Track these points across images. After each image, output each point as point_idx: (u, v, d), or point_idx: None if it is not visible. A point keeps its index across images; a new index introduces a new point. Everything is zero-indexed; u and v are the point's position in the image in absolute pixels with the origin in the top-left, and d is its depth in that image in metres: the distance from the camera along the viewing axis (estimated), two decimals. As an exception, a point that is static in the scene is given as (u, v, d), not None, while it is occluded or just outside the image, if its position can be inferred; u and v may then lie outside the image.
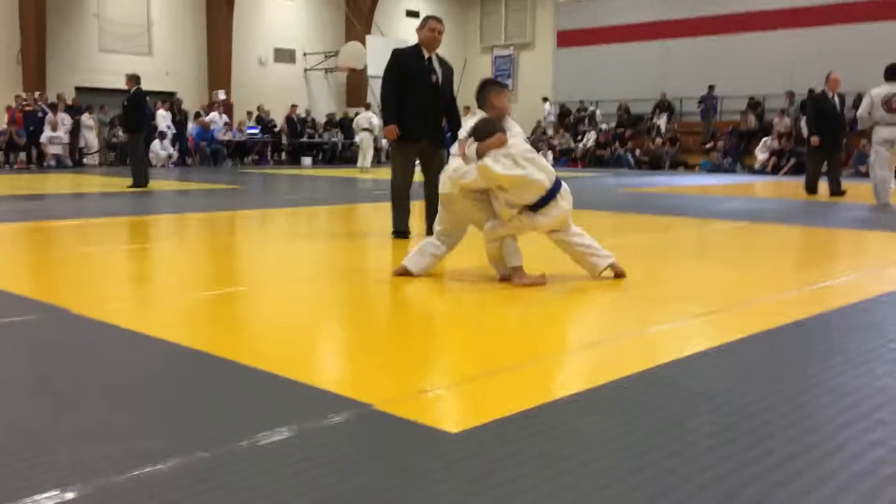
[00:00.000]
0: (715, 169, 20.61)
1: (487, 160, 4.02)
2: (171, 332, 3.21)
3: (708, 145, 21.55)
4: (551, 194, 4.16)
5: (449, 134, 6.33)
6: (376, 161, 20.50)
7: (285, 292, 4.09)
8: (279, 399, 2.42)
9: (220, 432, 2.11)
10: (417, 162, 6.33)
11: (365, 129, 18.64)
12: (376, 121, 18.11)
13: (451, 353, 3.09)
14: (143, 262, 5.40)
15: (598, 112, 24.41)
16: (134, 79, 11.94)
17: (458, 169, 4.19)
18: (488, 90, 4.49)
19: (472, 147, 4.12)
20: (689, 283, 4.48)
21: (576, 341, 3.13)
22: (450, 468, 1.91)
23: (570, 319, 3.59)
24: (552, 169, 4.29)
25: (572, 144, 24.14)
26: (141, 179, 11.92)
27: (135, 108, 11.93)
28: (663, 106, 23.03)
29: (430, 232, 6.08)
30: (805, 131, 12.88)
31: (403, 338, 3.35)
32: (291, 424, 2.17)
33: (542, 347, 3.14)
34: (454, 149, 4.36)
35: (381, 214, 9.00)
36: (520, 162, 4.07)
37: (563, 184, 4.27)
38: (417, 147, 6.24)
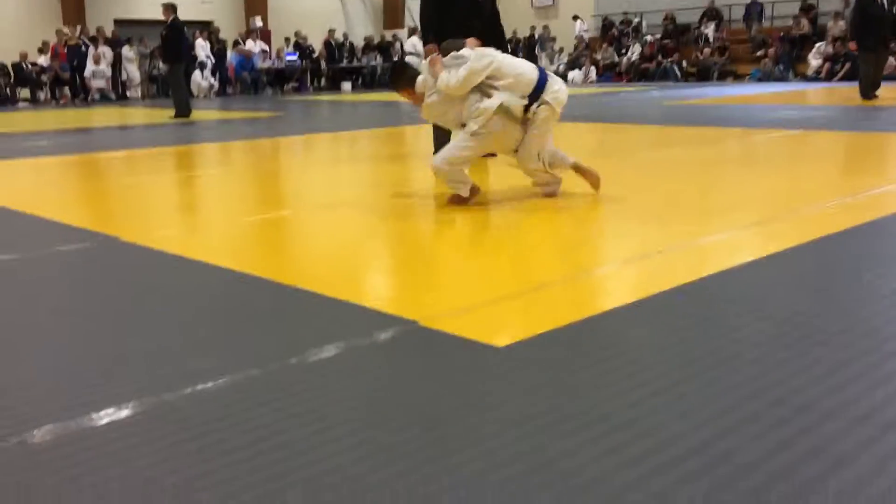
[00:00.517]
0: (766, 78, 19.93)
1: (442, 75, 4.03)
2: (218, 256, 3.25)
3: (759, 52, 20.79)
4: (542, 76, 4.10)
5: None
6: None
7: (330, 215, 4.10)
8: (326, 318, 2.44)
9: (269, 351, 2.15)
10: None
11: (410, 54, 18.44)
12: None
13: (497, 269, 3.08)
14: (189, 191, 5.46)
15: (643, 23, 23.66)
16: (171, 8, 11.84)
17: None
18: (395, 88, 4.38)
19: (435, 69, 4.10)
20: (738, 194, 4.37)
21: (623, 254, 3.09)
22: (498, 381, 1.91)
23: (617, 233, 3.53)
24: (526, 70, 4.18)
25: (616, 59, 23.51)
26: (183, 110, 11.98)
27: (174, 39, 11.87)
28: (711, 14, 22.18)
29: None
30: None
31: (448, 256, 3.35)
32: (339, 342, 2.19)
33: (589, 261, 3.11)
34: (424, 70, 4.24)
35: (423, 137, 8.93)
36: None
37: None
38: None
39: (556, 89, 4.11)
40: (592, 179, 4.29)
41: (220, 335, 2.31)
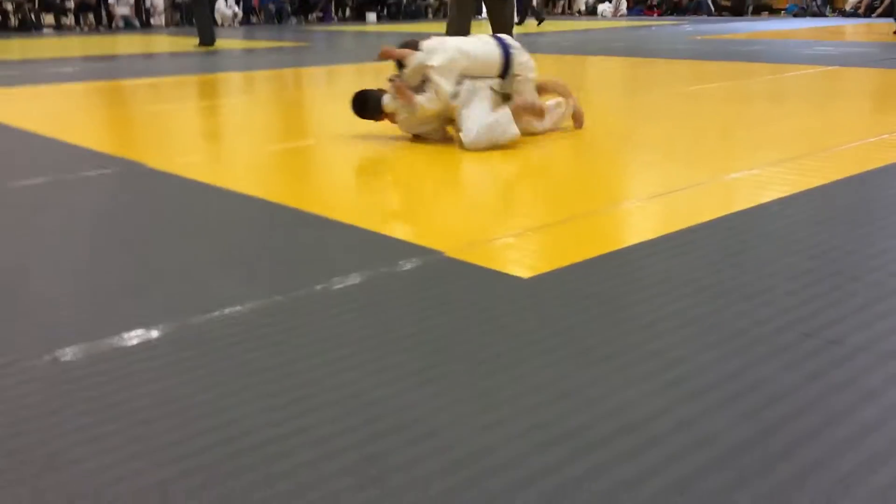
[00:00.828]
0: (802, 13, 19.36)
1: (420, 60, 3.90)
2: (243, 184, 3.25)
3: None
4: (505, 52, 3.95)
5: None
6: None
7: (354, 146, 4.06)
8: (351, 247, 2.44)
9: (294, 278, 2.15)
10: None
11: None
12: None
13: (523, 202, 3.05)
14: (213, 119, 5.43)
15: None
16: (194, -67, 11.64)
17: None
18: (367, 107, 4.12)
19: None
20: (769, 130, 4.28)
21: (650, 189, 3.05)
22: (523, 311, 1.91)
23: (644, 168, 3.48)
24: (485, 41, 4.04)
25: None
26: (207, 38, 11.86)
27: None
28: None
29: None
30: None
31: (473, 189, 3.32)
32: (364, 270, 2.19)
33: (616, 195, 3.07)
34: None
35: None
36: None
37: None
38: None
39: (523, 62, 3.97)
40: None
41: (245, 261, 2.32)
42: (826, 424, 1.38)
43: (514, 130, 3.81)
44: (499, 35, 4.12)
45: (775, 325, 1.78)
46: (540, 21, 17.76)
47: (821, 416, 1.41)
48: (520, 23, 17.42)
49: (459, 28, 5.86)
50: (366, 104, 4.07)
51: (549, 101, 4.19)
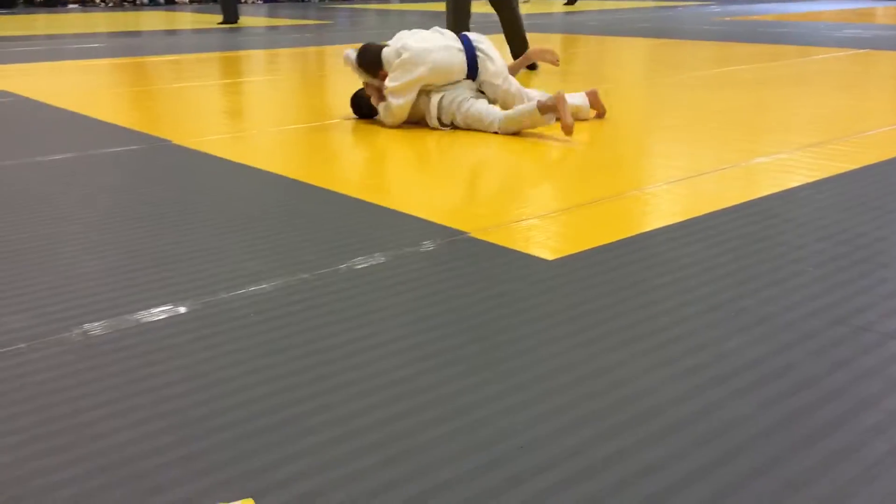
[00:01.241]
0: (832, -6, 19.01)
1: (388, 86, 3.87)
2: (268, 162, 3.26)
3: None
4: (471, 55, 3.86)
5: None
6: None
7: (375, 127, 4.06)
8: (375, 226, 2.44)
9: (319, 256, 2.16)
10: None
11: None
12: None
13: (546, 185, 3.04)
14: (237, 97, 5.44)
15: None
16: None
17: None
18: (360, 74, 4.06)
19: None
20: (797, 114, 4.22)
21: (676, 173, 3.02)
22: (548, 293, 1.90)
23: (668, 152, 3.45)
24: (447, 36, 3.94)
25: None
26: (231, 16, 11.86)
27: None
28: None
29: (516, 57, 5.91)
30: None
31: (496, 171, 3.31)
32: (388, 250, 2.20)
33: (641, 179, 3.04)
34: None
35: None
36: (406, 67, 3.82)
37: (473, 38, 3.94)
38: None
39: (490, 70, 3.86)
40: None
41: (271, 239, 2.33)
42: (853, 412, 1.37)
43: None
44: (467, 35, 3.96)
45: (803, 311, 1.76)
46: (570, 2, 17.57)
47: (848, 403, 1.40)
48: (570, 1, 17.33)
49: (457, 20, 5.75)
50: (360, 106, 4.15)
51: (545, 95, 3.97)
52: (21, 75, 6.14)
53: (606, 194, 2.75)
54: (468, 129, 3.85)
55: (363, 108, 4.14)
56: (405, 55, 3.81)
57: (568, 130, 3.56)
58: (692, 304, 1.82)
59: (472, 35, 3.98)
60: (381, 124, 4.03)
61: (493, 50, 3.95)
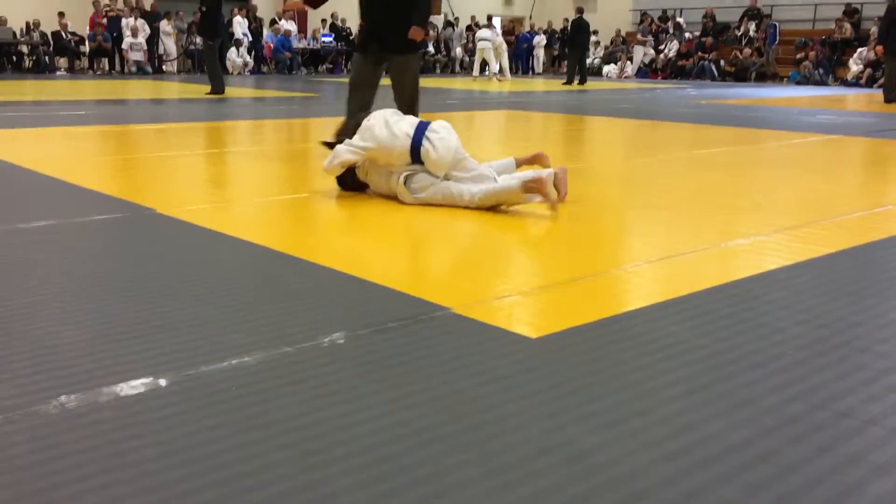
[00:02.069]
0: (804, 81, 19.67)
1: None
2: (252, 233, 3.27)
3: (799, 55, 20.51)
4: (416, 144, 3.89)
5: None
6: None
7: (362, 199, 4.10)
8: (358, 300, 2.44)
9: (301, 329, 2.15)
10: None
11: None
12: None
13: (527, 261, 3.07)
14: (222, 167, 5.49)
15: (681, 20, 23.41)
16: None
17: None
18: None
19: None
20: (773, 197, 4.32)
21: (654, 253, 3.06)
22: (531, 372, 1.90)
23: (647, 232, 3.51)
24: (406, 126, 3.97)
25: (653, 54, 23.30)
26: (218, 86, 12.02)
27: (211, 15, 11.87)
28: (752, 13, 21.90)
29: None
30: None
31: (478, 246, 3.34)
32: (371, 325, 2.20)
33: (620, 258, 3.08)
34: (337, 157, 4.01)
35: (455, 123, 8.90)
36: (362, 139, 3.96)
37: (431, 127, 3.95)
38: (374, 58, 5.28)
39: (432, 159, 3.84)
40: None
41: (253, 310, 2.32)
42: (839, 499, 1.37)
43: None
44: (424, 122, 3.98)
45: (784, 395, 1.78)
46: (573, 82, 17.96)
47: (833, 489, 1.40)
48: (569, 82, 17.77)
49: (358, 102, 5.28)
50: (344, 179, 4.19)
51: (529, 172, 3.99)
52: (7, 140, 6.16)
53: (587, 272, 2.78)
54: (443, 205, 3.87)
55: (348, 180, 4.19)
56: (364, 127, 3.98)
57: (554, 207, 3.62)
58: (675, 385, 1.82)
59: (433, 124, 3.99)
60: (367, 197, 4.07)
61: (445, 141, 3.87)
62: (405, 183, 3.89)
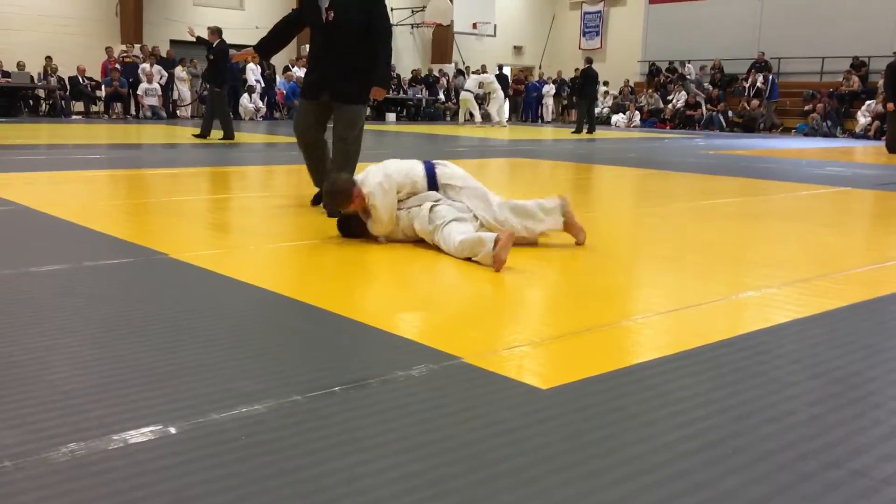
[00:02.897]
0: (813, 132, 19.79)
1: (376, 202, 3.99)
2: (263, 278, 3.28)
3: (807, 107, 20.66)
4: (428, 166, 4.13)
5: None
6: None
7: (373, 246, 4.11)
8: (368, 347, 2.44)
9: (312, 377, 2.15)
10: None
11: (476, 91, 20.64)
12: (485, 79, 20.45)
13: (537, 311, 3.06)
14: (232, 212, 5.53)
15: (690, 70, 23.66)
16: (216, 32, 12.02)
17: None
18: (336, 206, 4.18)
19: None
20: (783, 249, 4.32)
21: (663, 304, 3.06)
22: (540, 424, 1.89)
23: (656, 283, 3.50)
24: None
25: (661, 105, 23.52)
26: (229, 132, 12.09)
27: (219, 62, 11.98)
28: (760, 65, 22.12)
29: (318, 201, 5.03)
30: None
31: (487, 294, 3.33)
32: (382, 373, 2.19)
33: (629, 309, 3.08)
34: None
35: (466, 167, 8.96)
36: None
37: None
38: (318, 104, 5.07)
39: (448, 172, 4.09)
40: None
41: (264, 357, 2.32)
42: (855, 560, 1.35)
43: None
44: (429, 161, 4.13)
45: (798, 451, 1.76)
46: (581, 131, 18.17)
47: (850, 551, 1.37)
48: (578, 131, 17.99)
49: (319, 162, 5.20)
50: (348, 226, 4.20)
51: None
52: (22, 184, 6.23)
53: (597, 323, 2.77)
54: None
55: (352, 226, 4.20)
56: (371, 175, 4.06)
57: (498, 267, 3.51)
58: (689, 439, 1.81)
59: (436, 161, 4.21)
60: (374, 241, 4.08)
61: (453, 166, 4.20)
62: (430, 210, 3.95)
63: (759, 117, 21.14)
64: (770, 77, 21.22)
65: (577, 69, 25.33)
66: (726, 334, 2.64)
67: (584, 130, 18.04)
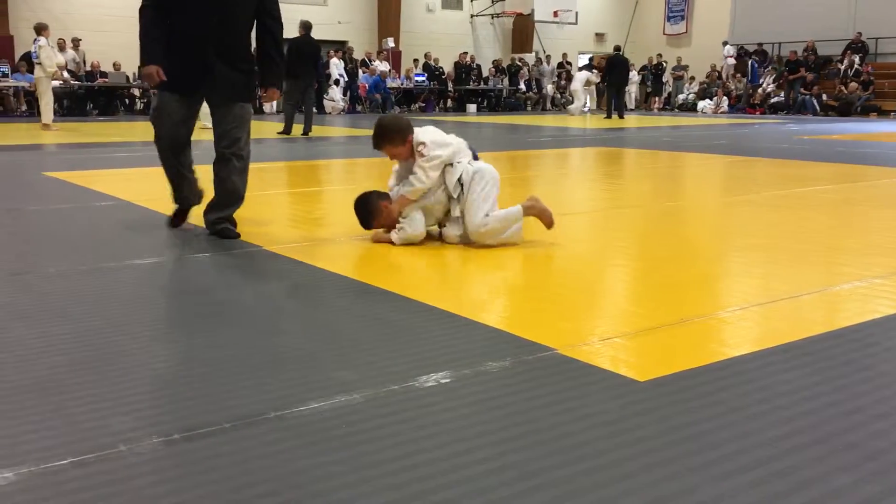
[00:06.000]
0: (913, 115, 18.88)
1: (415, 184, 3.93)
2: (354, 270, 3.32)
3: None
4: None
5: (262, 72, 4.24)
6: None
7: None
8: (459, 337, 2.44)
9: (407, 367, 2.17)
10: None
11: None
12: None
13: (628, 302, 3.02)
14: (320, 204, 5.62)
15: (781, 54, 22.88)
16: (305, 26, 12.16)
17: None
18: (385, 141, 4.15)
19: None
20: (885, 238, 4.13)
21: (757, 296, 2.96)
22: (638, 417, 1.86)
23: (749, 273, 3.40)
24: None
25: (750, 89, 22.82)
26: (308, 126, 12.20)
27: (298, 54, 12.04)
28: (856, 46, 21.19)
29: (212, 226, 4.07)
30: None
31: (573, 286, 3.30)
32: (477, 364, 2.19)
33: (723, 300, 3.00)
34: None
35: (546, 160, 8.90)
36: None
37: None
38: (193, 100, 4.20)
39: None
40: (546, 218, 3.93)
41: (359, 347, 2.35)
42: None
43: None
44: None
45: (915, 448, 1.68)
46: (611, 116, 18.03)
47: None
48: (608, 117, 17.85)
49: (169, 146, 4.42)
50: (373, 212, 4.00)
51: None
52: (121, 180, 6.48)
53: (691, 314, 2.71)
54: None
55: (370, 208, 4.03)
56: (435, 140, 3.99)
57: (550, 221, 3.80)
58: (795, 435, 1.75)
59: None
60: (390, 244, 3.90)
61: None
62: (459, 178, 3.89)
63: (855, 101, 20.28)
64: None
65: (658, 55, 24.85)
66: (828, 327, 2.55)
67: (615, 116, 17.86)
